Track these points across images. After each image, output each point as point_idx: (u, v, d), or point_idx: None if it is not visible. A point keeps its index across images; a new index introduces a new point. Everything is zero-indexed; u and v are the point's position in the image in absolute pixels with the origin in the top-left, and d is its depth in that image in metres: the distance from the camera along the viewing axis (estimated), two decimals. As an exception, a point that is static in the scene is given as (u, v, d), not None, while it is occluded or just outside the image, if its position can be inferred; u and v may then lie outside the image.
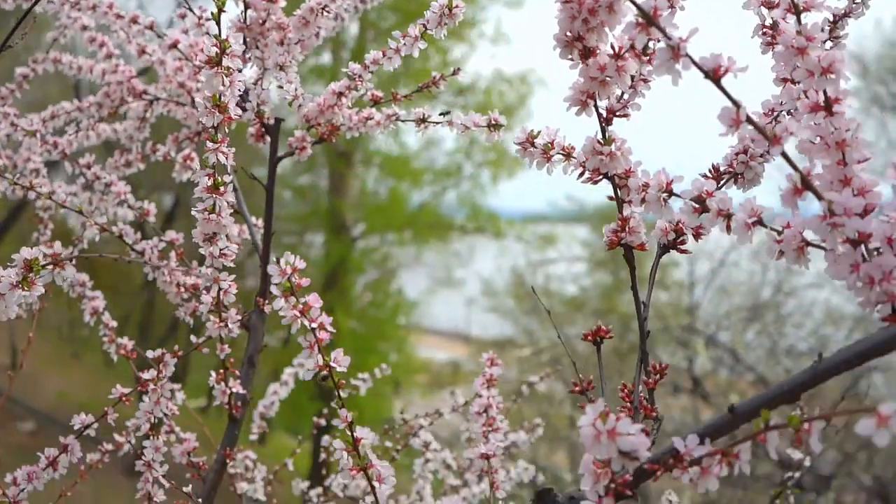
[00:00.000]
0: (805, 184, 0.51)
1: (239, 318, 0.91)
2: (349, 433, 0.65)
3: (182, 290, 1.03)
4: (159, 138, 1.31)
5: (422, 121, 0.96)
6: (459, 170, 12.29)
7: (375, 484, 0.64)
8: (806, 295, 6.76)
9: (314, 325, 0.62)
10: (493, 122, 0.85)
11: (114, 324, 1.10)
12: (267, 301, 0.96)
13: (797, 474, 1.11)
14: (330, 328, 0.62)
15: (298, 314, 0.61)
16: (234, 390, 0.98)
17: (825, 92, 0.53)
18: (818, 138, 0.54)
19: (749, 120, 0.50)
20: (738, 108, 0.51)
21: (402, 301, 12.04)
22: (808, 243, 0.55)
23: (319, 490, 1.45)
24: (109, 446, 1.08)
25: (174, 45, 1.08)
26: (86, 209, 1.04)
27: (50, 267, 0.67)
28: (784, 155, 0.51)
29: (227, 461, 1.00)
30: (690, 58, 0.51)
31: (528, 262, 10.53)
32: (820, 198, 0.51)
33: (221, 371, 0.97)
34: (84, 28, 1.22)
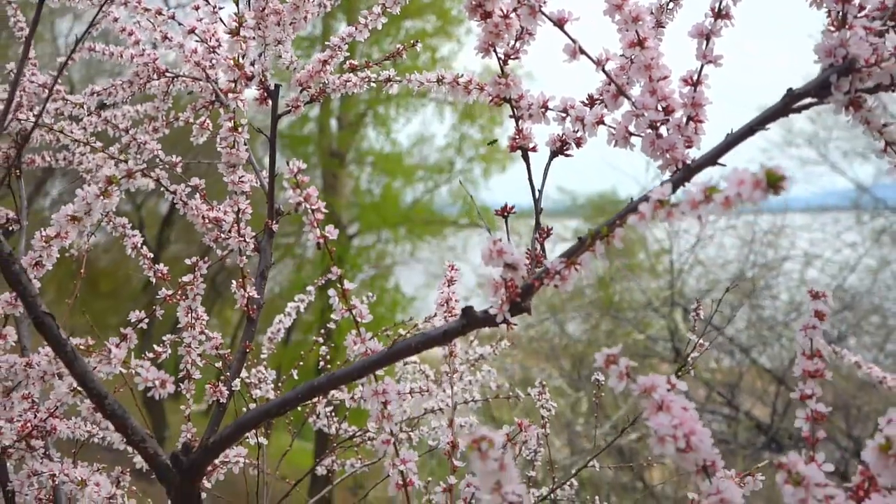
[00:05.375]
0: (620, 91, 0.80)
1: (254, 234, 1.20)
2: (339, 286, 0.93)
3: (206, 221, 1.31)
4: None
5: (388, 80, 1.24)
6: (451, 165, 12.58)
7: (359, 319, 0.93)
8: (782, 269, 7.06)
9: (313, 207, 0.90)
10: (440, 77, 1.14)
11: (151, 255, 1.39)
12: (275, 221, 1.24)
13: (696, 354, 1.40)
14: (323, 210, 0.91)
15: (303, 200, 0.90)
16: (250, 295, 1.26)
17: (637, 33, 0.82)
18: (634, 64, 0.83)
19: (581, 51, 0.79)
20: (575, 43, 0.79)
21: (399, 297, 12.31)
22: (631, 133, 0.83)
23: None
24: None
25: (192, 31, 1.36)
26: (126, 159, 1.32)
27: (126, 179, 0.95)
28: (605, 73, 0.80)
29: (247, 351, 1.28)
30: (544, 13, 0.79)
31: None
32: (629, 98, 0.80)
33: (241, 279, 1.25)
34: (115, 20, 1.50)
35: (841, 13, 0.73)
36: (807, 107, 0.75)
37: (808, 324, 0.78)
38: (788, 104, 0.74)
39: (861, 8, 0.74)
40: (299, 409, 1.71)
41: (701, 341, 1.37)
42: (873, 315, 7.41)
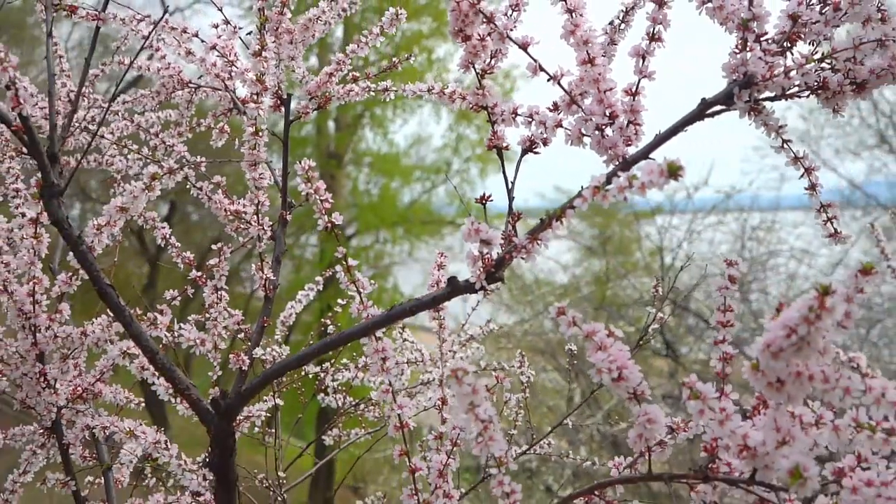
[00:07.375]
0: (572, 100, 1.00)
1: (271, 223, 1.39)
2: (345, 262, 1.13)
3: (227, 213, 1.50)
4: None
5: (386, 90, 1.44)
6: (448, 166, 12.77)
7: (361, 290, 1.12)
8: (772, 264, 7.26)
9: (322, 197, 1.09)
10: (430, 87, 1.33)
11: (178, 245, 1.58)
12: (288, 213, 1.43)
13: (653, 329, 1.58)
14: (330, 200, 1.10)
15: (313, 192, 1.09)
16: (268, 277, 1.45)
17: (587, 52, 1.01)
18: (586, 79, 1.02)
19: (541, 68, 0.98)
20: (536, 62, 0.99)
21: (398, 297, 12.49)
22: (583, 134, 1.02)
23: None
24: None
25: (213, 47, 1.55)
26: (155, 159, 1.51)
27: (167, 175, 1.14)
28: (560, 86, 0.99)
29: (265, 326, 1.47)
30: (510, 37, 0.98)
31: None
32: (579, 107, 0.99)
33: (259, 263, 1.44)
34: (144, 38, 1.69)
35: (743, 38, 0.92)
36: (718, 112, 0.94)
37: (723, 285, 0.98)
38: (703, 110, 0.93)
39: (761, 35, 0.93)
40: (309, 375, 1.90)
41: (661, 315, 1.56)
42: (860, 308, 7.59)
